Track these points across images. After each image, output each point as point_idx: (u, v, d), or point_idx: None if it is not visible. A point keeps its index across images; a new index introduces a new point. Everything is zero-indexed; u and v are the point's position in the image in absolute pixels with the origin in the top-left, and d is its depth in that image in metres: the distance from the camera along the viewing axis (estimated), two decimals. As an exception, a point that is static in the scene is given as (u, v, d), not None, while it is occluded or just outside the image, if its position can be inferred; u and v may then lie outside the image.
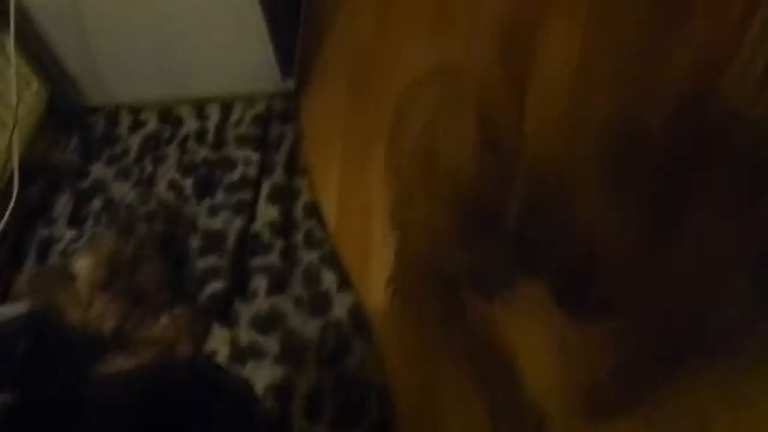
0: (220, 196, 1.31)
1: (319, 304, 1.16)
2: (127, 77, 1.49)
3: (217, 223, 1.26)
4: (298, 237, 1.25)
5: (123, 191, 1.35)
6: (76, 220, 1.35)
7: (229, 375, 0.93)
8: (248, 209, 1.28)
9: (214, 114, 1.47)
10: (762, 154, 0.57)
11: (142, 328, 0.68)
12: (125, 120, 1.50)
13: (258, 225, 1.25)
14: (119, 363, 0.64)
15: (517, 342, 1.05)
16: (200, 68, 1.47)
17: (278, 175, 1.33)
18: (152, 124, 1.48)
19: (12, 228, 1.29)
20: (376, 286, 1.17)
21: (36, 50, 1.37)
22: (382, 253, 1.16)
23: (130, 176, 1.39)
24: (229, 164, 1.35)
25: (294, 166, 1.37)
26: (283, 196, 1.30)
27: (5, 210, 1.23)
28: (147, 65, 1.46)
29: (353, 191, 1.34)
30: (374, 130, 1.33)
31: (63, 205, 1.38)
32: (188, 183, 1.31)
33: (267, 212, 1.28)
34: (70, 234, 1.33)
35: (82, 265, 0.77)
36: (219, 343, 1.13)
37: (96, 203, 1.36)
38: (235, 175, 1.33)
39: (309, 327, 1.13)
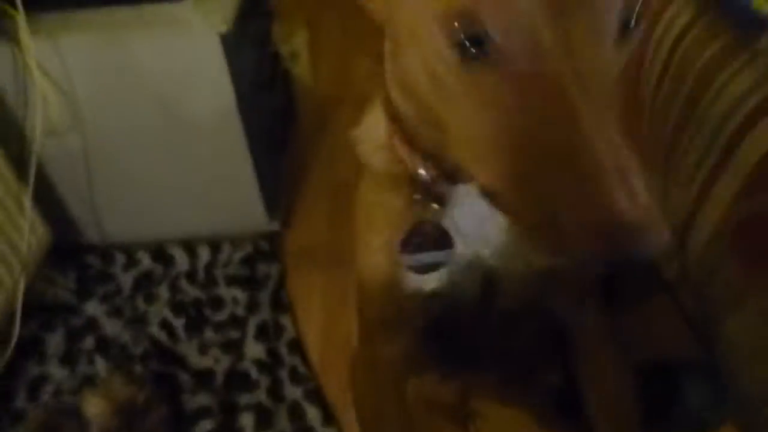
0: (209, 334, 1.39)
1: (303, 439, 1.22)
2: (123, 217, 1.59)
3: (206, 361, 1.33)
4: (284, 373, 1.32)
5: (116, 329, 1.43)
6: (68, 359, 1.40)
7: None
8: (236, 347, 1.35)
9: (203, 254, 1.57)
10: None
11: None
12: (120, 258, 1.59)
13: (245, 363, 1.33)
14: None
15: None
16: (192, 209, 1.58)
17: (264, 313, 1.42)
18: (145, 262, 1.57)
19: (2, 365, 1.34)
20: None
21: (44, 197, 1.47)
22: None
23: (123, 314, 1.46)
24: (218, 303, 1.44)
25: (279, 304, 1.46)
26: (269, 334, 1.39)
27: (6, 351, 1.29)
28: (142, 206, 1.57)
29: (335, 326, 1.43)
30: (352, 267, 1.44)
31: (56, 343, 1.43)
32: (180, 322, 1.39)
33: (254, 350, 1.35)
34: (62, 373, 1.37)
35: (96, 411, 0.84)
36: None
37: (89, 341, 1.42)
38: (224, 314, 1.42)
39: (294, 462, 1.19)
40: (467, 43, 0.40)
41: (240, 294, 1.45)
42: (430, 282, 0.74)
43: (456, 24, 0.40)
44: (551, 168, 0.37)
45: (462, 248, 0.66)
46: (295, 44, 2.01)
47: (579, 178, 0.36)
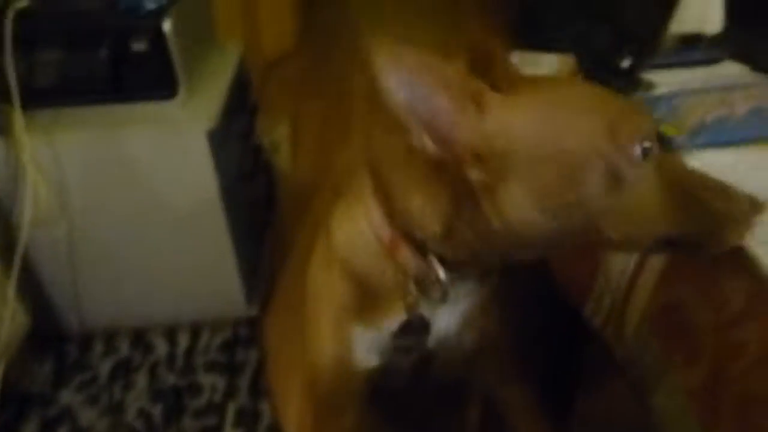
0: (187, 421, 1.39)
1: None
2: (104, 304, 1.61)
3: (184, 449, 1.33)
4: (262, 461, 1.32)
5: (91, 419, 1.42)
6: (42, 449, 1.39)
7: None
8: (214, 434, 1.36)
9: (183, 340, 1.59)
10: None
11: None
12: (98, 346, 1.60)
13: (223, 450, 1.33)
14: None
15: None
16: (173, 296, 1.61)
17: (242, 399, 1.43)
18: (124, 350, 1.58)
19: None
20: None
21: (27, 285, 1.49)
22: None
23: (99, 403, 1.46)
24: (197, 390, 1.45)
25: (258, 389, 1.47)
26: (247, 420, 1.39)
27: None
28: (124, 293, 1.59)
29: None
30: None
31: (30, 433, 1.42)
32: (157, 410, 1.39)
33: (231, 436, 1.36)
34: (34, 465, 1.36)
35: None
36: None
37: (63, 431, 1.41)
38: (202, 401, 1.43)
39: None
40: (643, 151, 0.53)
41: (219, 380, 1.46)
42: (374, 360, 0.80)
43: (641, 140, 0.52)
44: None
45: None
46: (276, 135, 2.10)
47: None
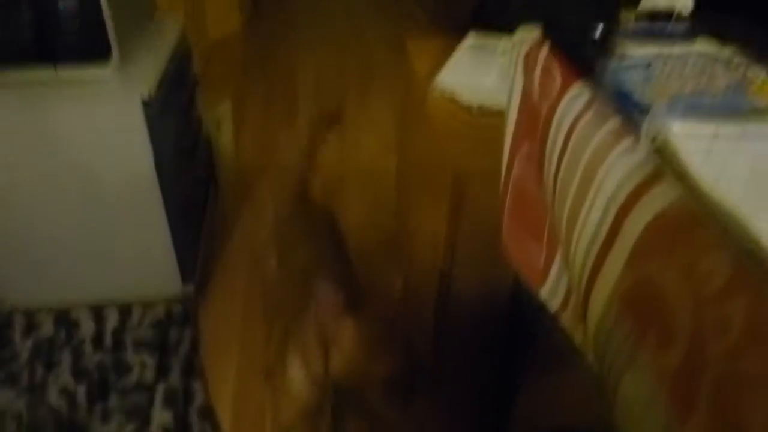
0: (113, 400, 1.33)
1: None
2: (24, 280, 1.53)
3: (109, 429, 1.27)
4: (192, 442, 1.28)
5: (9, 399, 1.34)
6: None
7: None
8: (142, 413, 1.30)
9: (112, 318, 1.52)
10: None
11: None
12: (18, 323, 1.51)
13: (152, 429, 1.27)
14: None
15: None
16: (101, 273, 1.54)
17: (174, 379, 1.38)
18: (47, 328, 1.50)
19: None
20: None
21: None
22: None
23: (18, 382, 1.38)
24: (125, 368, 1.38)
25: (191, 370, 1.42)
26: (178, 400, 1.34)
27: None
28: (48, 269, 1.51)
29: (248, 396, 1.40)
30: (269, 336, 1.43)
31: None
32: (81, 389, 1.32)
33: (161, 416, 1.30)
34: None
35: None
36: None
37: (-22, 411, 1.33)
38: (131, 380, 1.36)
39: None
40: None
41: (149, 358, 1.40)
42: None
43: None
44: None
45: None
46: (219, 113, 2.04)
47: None
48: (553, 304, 0.82)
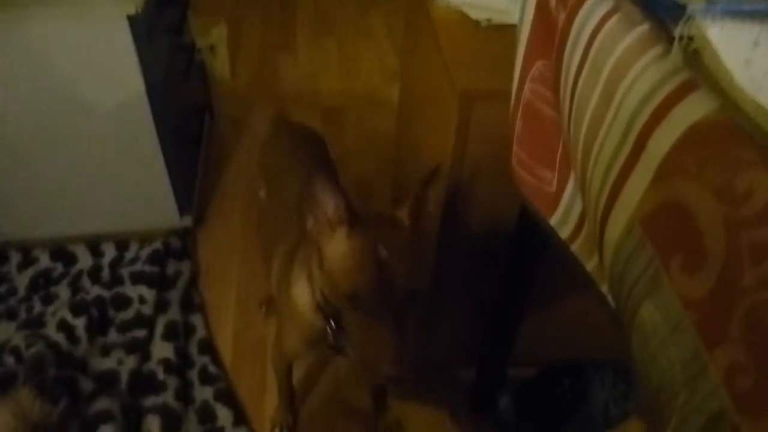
0: (113, 335, 1.31)
1: (213, 441, 1.16)
2: (18, 214, 1.48)
3: (109, 363, 1.25)
4: (193, 374, 1.26)
5: (8, 333, 1.32)
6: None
7: None
8: (142, 348, 1.28)
9: (109, 251, 1.48)
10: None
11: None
12: (14, 257, 1.48)
13: (152, 364, 1.26)
14: None
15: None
16: (96, 205, 1.49)
17: (173, 312, 1.35)
18: (43, 261, 1.47)
19: None
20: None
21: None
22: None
23: (16, 317, 1.36)
24: (124, 302, 1.36)
25: (190, 303, 1.40)
26: (178, 333, 1.32)
27: None
28: (42, 202, 1.47)
29: (248, 327, 1.38)
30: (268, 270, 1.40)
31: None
32: (80, 323, 1.30)
33: (161, 350, 1.28)
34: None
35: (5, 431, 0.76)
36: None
37: (-23, 345, 1.31)
38: (130, 313, 1.34)
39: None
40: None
41: (147, 292, 1.37)
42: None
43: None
44: None
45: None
46: (213, 38, 1.94)
47: None
48: (563, 232, 0.77)
